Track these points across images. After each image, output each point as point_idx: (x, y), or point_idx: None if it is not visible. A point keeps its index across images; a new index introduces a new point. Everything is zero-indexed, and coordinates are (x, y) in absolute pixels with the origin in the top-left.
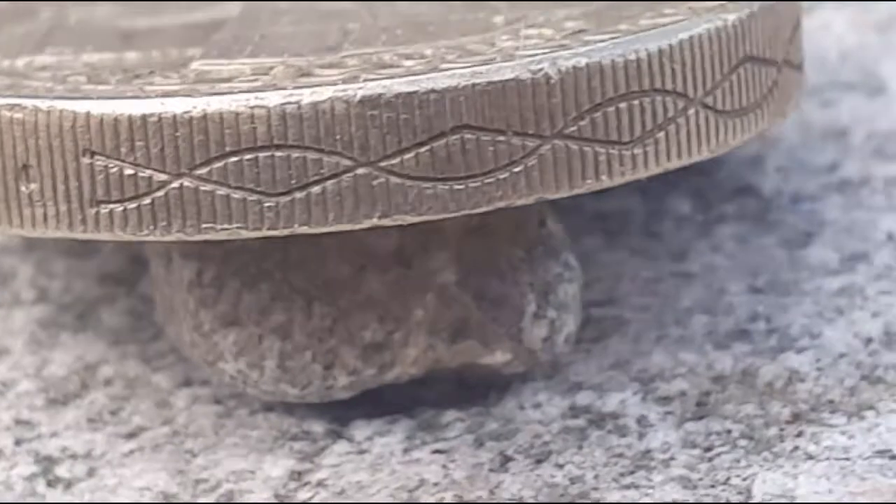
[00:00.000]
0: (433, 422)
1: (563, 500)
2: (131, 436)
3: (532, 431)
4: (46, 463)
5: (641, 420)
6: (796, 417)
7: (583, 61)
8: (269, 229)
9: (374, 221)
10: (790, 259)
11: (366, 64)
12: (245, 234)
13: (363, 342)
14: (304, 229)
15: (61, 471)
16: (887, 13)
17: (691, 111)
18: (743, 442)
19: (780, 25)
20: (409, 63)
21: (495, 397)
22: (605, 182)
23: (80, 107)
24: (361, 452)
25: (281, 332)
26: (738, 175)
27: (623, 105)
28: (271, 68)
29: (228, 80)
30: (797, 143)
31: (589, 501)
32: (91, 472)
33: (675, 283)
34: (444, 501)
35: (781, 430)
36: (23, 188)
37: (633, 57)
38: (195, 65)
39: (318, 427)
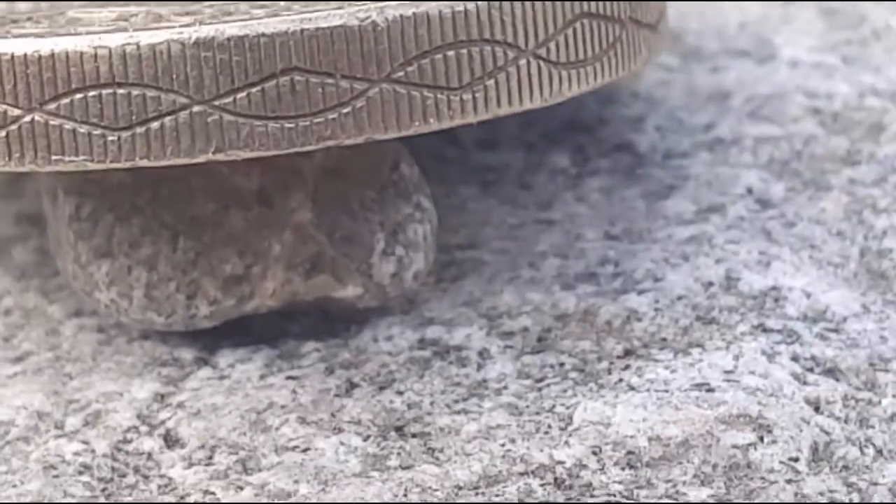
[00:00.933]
0: (293, 352)
1: (398, 424)
2: (18, 360)
3: (380, 361)
4: None
5: (483, 353)
6: (628, 353)
7: (410, 11)
8: (111, 162)
9: (210, 156)
10: (648, 209)
11: (218, 13)
12: (91, 165)
13: (224, 275)
14: (145, 162)
15: None
16: None
17: (522, 61)
18: (573, 374)
19: None
20: (256, 12)
21: (354, 331)
22: (434, 125)
23: None
24: (222, 378)
25: (148, 264)
26: (619, 133)
27: (451, 53)
28: (134, 15)
29: (90, 25)
30: (680, 105)
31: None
32: None
33: (536, 229)
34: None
35: (611, 364)
36: None
37: (460, 8)
38: (70, 12)
39: (187, 354)
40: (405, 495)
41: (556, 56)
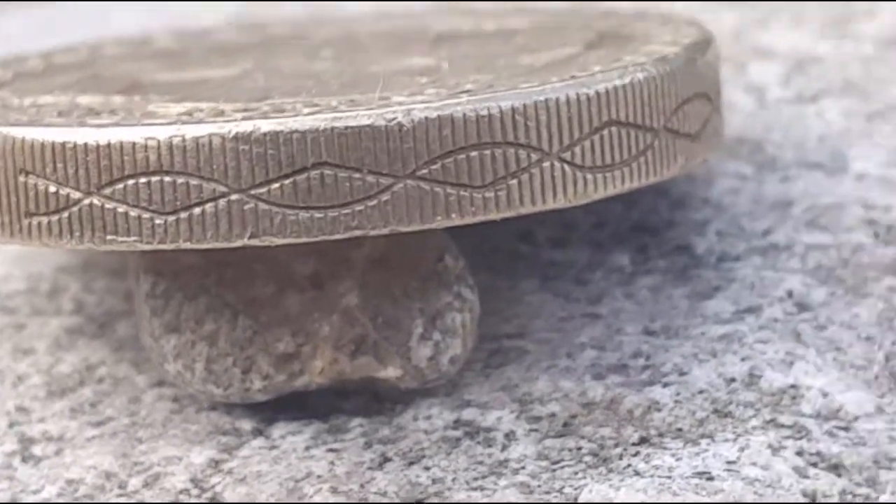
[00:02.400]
0: (340, 426)
1: (420, 497)
2: (99, 424)
3: (415, 438)
4: (27, 443)
5: (509, 434)
6: (643, 441)
7: (435, 113)
8: (159, 243)
9: (245, 241)
10: (690, 308)
11: (272, 110)
12: (140, 246)
13: (277, 352)
14: (188, 245)
15: (36, 450)
16: (884, 104)
17: (546, 163)
18: (588, 458)
19: (663, 97)
20: (305, 110)
21: (399, 409)
22: (456, 220)
23: (18, 133)
24: (272, 448)
25: (209, 340)
26: (681, 236)
27: (474, 154)
28: (200, 111)
29: (160, 118)
30: (745, 212)
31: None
32: (58, 452)
33: (581, 322)
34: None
35: (625, 450)
36: None
37: (484, 112)
38: (150, 107)
39: (246, 425)
40: None
41: (581, 160)
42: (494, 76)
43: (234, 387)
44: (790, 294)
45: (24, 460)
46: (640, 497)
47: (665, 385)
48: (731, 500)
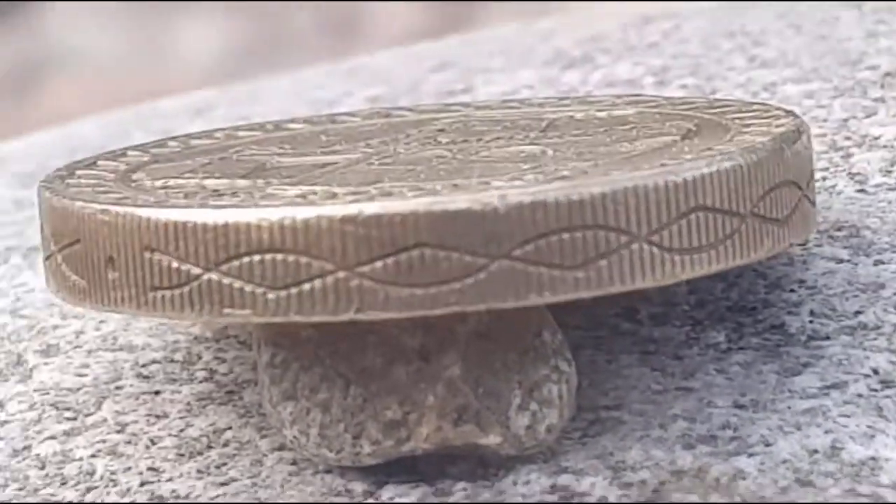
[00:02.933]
0: (446, 489)
1: None
2: (223, 484)
3: (513, 501)
4: (156, 499)
5: (601, 499)
6: None
7: (529, 198)
8: (271, 316)
9: (352, 316)
10: (778, 383)
11: (379, 194)
12: (254, 319)
13: (385, 419)
14: (298, 318)
15: None
16: None
17: (635, 245)
18: None
19: (749, 185)
20: (410, 193)
21: (502, 475)
22: (549, 298)
23: (145, 212)
24: None
25: (323, 407)
26: (776, 315)
27: (566, 236)
28: (314, 193)
29: (276, 199)
30: (837, 293)
31: None
32: None
33: (675, 395)
34: None
35: None
36: (109, 275)
37: (576, 197)
38: (269, 189)
39: (358, 487)
40: None
41: (668, 242)
42: (592, 163)
43: (346, 451)
44: (875, 371)
45: None
46: None
47: (750, 455)
48: None
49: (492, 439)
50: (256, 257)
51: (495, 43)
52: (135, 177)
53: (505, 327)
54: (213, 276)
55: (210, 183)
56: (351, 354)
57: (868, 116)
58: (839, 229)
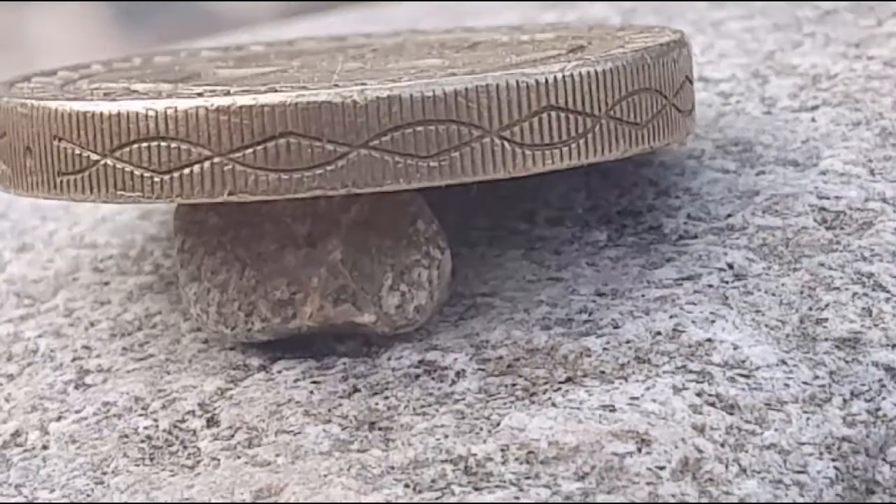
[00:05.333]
0: (329, 364)
1: (373, 420)
2: (141, 359)
3: (383, 374)
4: (82, 373)
5: (460, 372)
6: (568, 380)
7: (385, 93)
8: (156, 199)
9: (225, 197)
10: (640, 275)
11: (263, 91)
12: (143, 201)
13: (274, 298)
14: (179, 200)
15: (87, 379)
16: (871, 112)
17: (486, 140)
18: (519, 392)
19: (605, 88)
20: (282, 89)
21: (380, 352)
22: (404, 185)
23: (53, 105)
24: (269, 380)
25: (221, 288)
26: (657, 218)
27: (420, 129)
28: (213, 93)
29: (176, 96)
30: (716, 200)
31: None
32: (104, 381)
33: (544, 284)
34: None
35: (551, 387)
36: (27, 163)
37: (429, 93)
38: (179, 90)
39: (255, 361)
40: (348, 469)
41: (519, 138)
42: (468, 70)
43: (239, 327)
44: (730, 266)
45: (76, 387)
46: (550, 423)
47: (599, 336)
48: (626, 428)
49: (367, 318)
50: (144, 144)
51: None
52: (78, 83)
53: (383, 217)
54: (108, 161)
55: (137, 86)
56: (249, 241)
57: (795, 48)
58: (736, 144)
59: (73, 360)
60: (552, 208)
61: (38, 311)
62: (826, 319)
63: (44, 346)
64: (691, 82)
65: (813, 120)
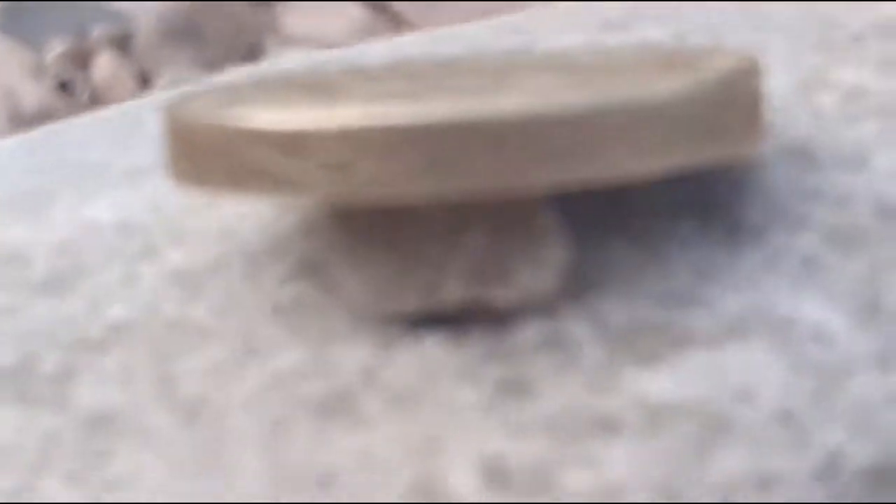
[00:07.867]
0: (470, 335)
1: (513, 380)
2: (301, 333)
3: (518, 344)
4: None
5: (584, 342)
6: (680, 346)
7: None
8: (337, 198)
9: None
10: (729, 260)
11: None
12: (322, 201)
13: (420, 280)
14: (366, 202)
15: (257, 351)
16: None
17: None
18: (638, 357)
19: (713, 102)
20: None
21: (514, 325)
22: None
23: (244, 113)
24: (418, 349)
25: (370, 270)
26: (736, 212)
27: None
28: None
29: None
30: (785, 196)
31: None
32: (271, 353)
33: (650, 266)
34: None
35: (665, 352)
36: (209, 162)
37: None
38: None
39: (404, 334)
40: (499, 424)
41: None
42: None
43: (388, 306)
44: (805, 253)
45: (246, 357)
46: (667, 383)
47: (702, 309)
48: (733, 387)
49: (501, 295)
50: (323, 147)
51: (555, 14)
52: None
53: (515, 206)
54: (287, 163)
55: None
56: (396, 226)
57: (838, 65)
58: (795, 148)
59: (238, 336)
60: (650, 203)
61: (199, 296)
62: (892, 295)
63: (212, 324)
64: (765, 97)
65: (862, 127)
